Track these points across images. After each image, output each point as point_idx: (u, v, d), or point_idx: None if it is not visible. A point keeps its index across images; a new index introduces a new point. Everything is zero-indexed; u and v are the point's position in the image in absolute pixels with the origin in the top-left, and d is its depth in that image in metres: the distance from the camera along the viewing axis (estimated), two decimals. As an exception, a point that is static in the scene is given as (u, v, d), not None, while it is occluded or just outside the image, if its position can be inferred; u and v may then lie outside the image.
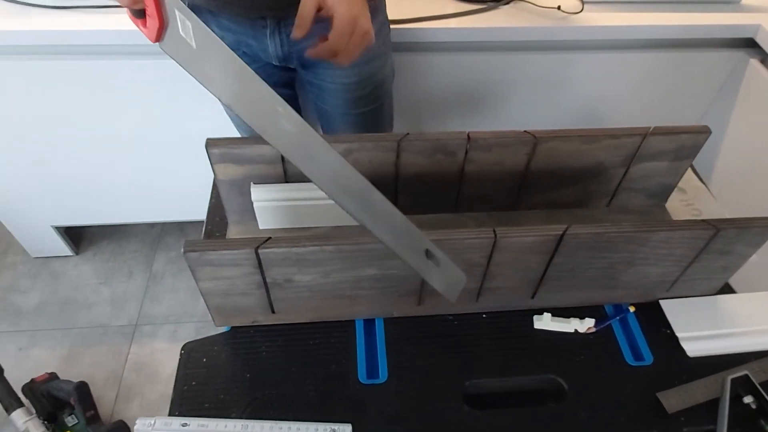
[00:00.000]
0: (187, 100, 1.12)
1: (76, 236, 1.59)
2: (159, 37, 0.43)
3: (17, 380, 1.17)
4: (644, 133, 0.68)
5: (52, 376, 1.23)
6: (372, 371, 0.62)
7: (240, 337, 0.65)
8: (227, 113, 0.99)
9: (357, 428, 0.56)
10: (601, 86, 1.20)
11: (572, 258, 0.59)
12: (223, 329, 0.66)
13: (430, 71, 1.15)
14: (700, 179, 0.82)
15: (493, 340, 0.65)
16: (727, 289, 0.70)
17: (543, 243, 0.57)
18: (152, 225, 1.64)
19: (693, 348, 0.64)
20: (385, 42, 0.87)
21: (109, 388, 1.30)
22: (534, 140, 0.66)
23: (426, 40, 1.08)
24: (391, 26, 0.91)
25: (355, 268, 0.58)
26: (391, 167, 0.68)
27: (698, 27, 1.09)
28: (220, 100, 0.45)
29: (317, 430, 0.54)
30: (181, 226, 1.63)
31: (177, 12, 0.41)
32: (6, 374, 1.16)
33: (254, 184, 0.68)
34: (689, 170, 0.83)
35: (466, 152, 0.67)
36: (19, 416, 1.10)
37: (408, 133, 0.66)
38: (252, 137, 0.64)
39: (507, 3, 1.11)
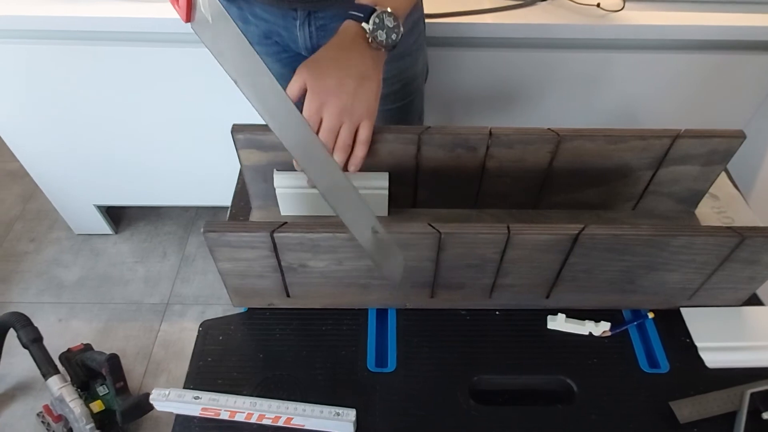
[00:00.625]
0: (224, 88, 1.15)
1: (116, 216, 1.66)
2: (189, 17, 0.47)
3: (55, 348, 1.23)
4: (674, 135, 0.66)
5: (87, 347, 1.29)
6: (381, 360, 0.63)
7: (256, 318, 0.67)
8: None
9: (362, 414, 0.57)
10: (640, 88, 1.17)
11: (588, 259, 0.58)
12: (240, 310, 0.68)
13: (464, 67, 1.15)
14: (736, 186, 0.79)
15: (504, 337, 0.65)
16: (754, 301, 0.67)
17: (558, 242, 0.56)
18: (187, 209, 1.69)
19: (712, 359, 0.62)
20: (419, 39, 0.87)
21: (139, 363, 1.36)
22: (557, 138, 0.65)
23: (461, 35, 1.07)
24: (426, 20, 0.90)
25: (367, 257, 0.58)
26: (411, 160, 0.68)
27: (744, 28, 1.05)
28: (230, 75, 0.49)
29: (322, 412, 0.56)
30: (214, 211, 1.68)
31: None
32: (46, 343, 1.23)
33: (277, 170, 0.69)
34: (724, 176, 0.80)
35: (488, 148, 0.67)
36: (54, 382, 1.16)
37: (429, 127, 0.66)
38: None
39: (545, -1, 1.10)
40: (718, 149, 0.67)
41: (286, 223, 0.56)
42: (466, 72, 1.15)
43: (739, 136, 0.66)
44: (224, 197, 1.50)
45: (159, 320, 1.44)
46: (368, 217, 0.52)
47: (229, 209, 0.78)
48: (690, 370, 0.62)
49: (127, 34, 1.08)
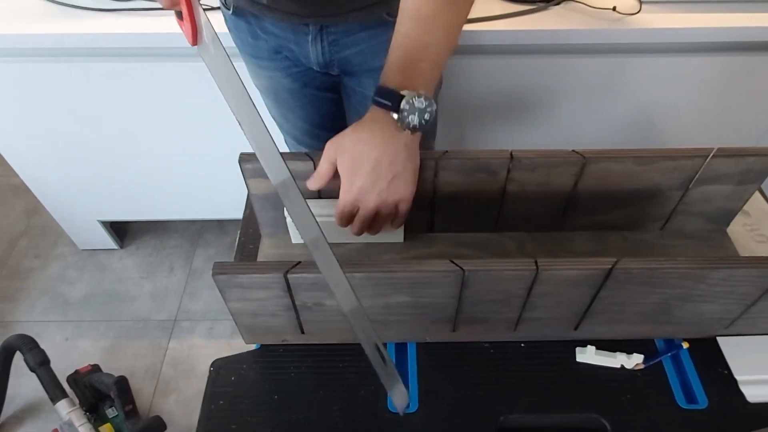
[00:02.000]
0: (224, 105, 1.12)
1: (121, 230, 1.63)
2: (195, 41, 0.48)
3: (62, 369, 1.21)
4: (705, 155, 0.62)
5: (95, 368, 1.27)
6: (402, 399, 0.60)
7: (269, 356, 0.64)
8: (275, 121, 0.98)
9: (384, 461, 0.55)
10: (659, 93, 1.13)
11: (621, 292, 0.55)
12: (252, 346, 0.65)
13: (477, 75, 1.11)
14: (768, 201, 0.75)
15: (531, 371, 0.62)
16: (795, 329, 0.63)
17: (588, 277, 0.53)
18: (193, 222, 1.66)
19: (754, 393, 0.58)
20: None
21: (147, 382, 1.34)
22: (582, 160, 0.62)
23: (472, 42, 1.03)
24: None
25: (385, 294, 0.55)
26: (428, 185, 0.65)
27: (765, 29, 1.00)
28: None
29: (343, 462, 0.53)
30: (220, 224, 1.65)
31: (202, 17, 0.47)
32: (52, 363, 1.20)
33: None
34: (756, 192, 0.76)
35: (509, 171, 0.63)
36: (63, 407, 1.14)
37: (447, 151, 0.62)
38: (285, 152, 0.62)
39: (558, 3, 1.05)
40: (753, 168, 0.63)
41: (300, 263, 0.53)
42: (477, 80, 1.12)
43: (776, 154, 0.62)
44: (230, 210, 1.48)
45: (167, 337, 1.42)
46: (370, 333, 0.51)
47: (238, 237, 0.75)
48: (730, 406, 0.58)
49: (129, 50, 1.05)
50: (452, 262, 0.52)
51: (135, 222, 1.66)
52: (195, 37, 0.48)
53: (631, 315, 0.59)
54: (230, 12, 0.78)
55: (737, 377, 0.59)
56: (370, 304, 0.56)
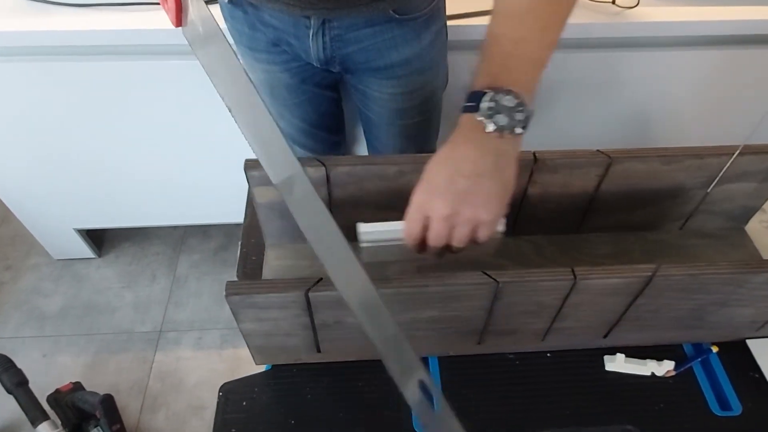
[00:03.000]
0: (209, 102, 1.06)
1: (98, 238, 1.55)
2: (180, 21, 0.43)
3: (42, 387, 1.14)
4: (732, 153, 0.60)
5: (77, 386, 1.19)
6: (427, 418, 0.57)
7: (282, 377, 0.60)
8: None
9: (415, 487, 0.51)
10: (658, 87, 1.12)
11: (658, 300, 0.53)
12: (263, 367, 0.61)
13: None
14: (782, 197, 0.74)
15: (559, 383, 0.59)
16: (823, 328, 0.62)
17: (627, 285, 0.50)
18: (175, 227, 1.59)
19: (788, 397, 0.57)
20: (441, 50, 0.79)
21: (133, 398, 1.27)
22: (608, 161, 0.59)
23: (468, 38, 1.00)
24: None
25: (413, 310, 0.52)
26: (445, 189, 0.62)
27: (762, 22, 1.00)
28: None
29: (373, 492, 0.49)
30: (204, 229, 1.58)
31: None
32: (31, 382, 1.13)
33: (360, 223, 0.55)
34: (769, 187, 0.75)
35: (531, 173, 0.60)
36: (45, 429, 1.07)
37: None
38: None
39: (556, -3, 1.03)
40: (778, 165, 0.62)
41: (321, 279, 0.48)
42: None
43: (802, 151, 0.61)
44: (214, 215, 1.43)
45: (153, 350, 1.35)
46: (413, 364, 0.42)
47: (239, 248, 0.70)
48: (766, 411, 0.57)
49: (103, 48, 0.98)
50: (485, 273, 0.49)
51: (113, 229, 1.57)
52: (179, 14, 0.42)
53: (664, 321, 0.57)
54: (227, 1, 0.73)
55: (770, 381, 0.58)
56: (397, 320, 0.52)
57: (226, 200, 1.34)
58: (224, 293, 0.48)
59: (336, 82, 0.83)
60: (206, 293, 1.44)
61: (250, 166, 0.58)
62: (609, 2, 1.01)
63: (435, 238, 0.47)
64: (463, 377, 0.60)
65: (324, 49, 0.72)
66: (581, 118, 1.18)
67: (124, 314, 1.41)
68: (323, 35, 0.70)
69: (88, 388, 1.19)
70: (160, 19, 0.91)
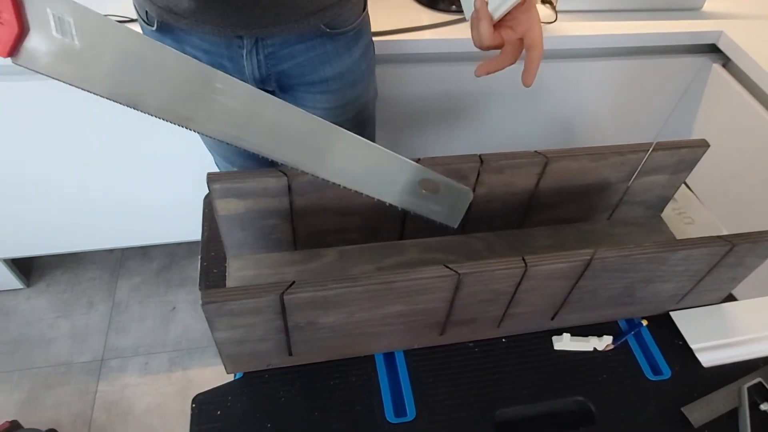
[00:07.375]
0: (141, 117, 1.05)
1: (25, 267, 1.46)
2: (12, 50, 0.37)
3: (-28, 433, 1.06)
4: (647, 149, 0.69)
5: (14, 425, 1.12)
6: (399, 408, 0.60)
7: (255, 384, 0.61)
8: (203, 140, 0.93)
9: (394, 474, 0.54)
10: (573, 94, 1.23)
11: (596, 281, 0.59)
12: (226, 379, 0.62)
13: (408, 82, 1.14)
14: (689, 188, 0.85)
15: (516, 365, 0.65)
16: (729, 298, 0.72)
17: (571, 269, 0.56)
18: (111, 250, 1.53)
19: (707, 358, 0.65)
20: (370, 64, 0.84)
21: (77, 432, 1.21)
22: (545, 160, 0.66)
23: (402, 51, 1.06)
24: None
25: (381, 306, 0.55)
26: (401, 193, 0.66)
27: (663, 35, 1.13)
28: (117, 102, 0.41)
29: (356, 482, 0.51)
30: (143, 250, 1.53)
31: (49, 10, 0.36)
32: (-41, 428, 1.05)
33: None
34: (678, 179, 0.86)
35: (478, 175, 0.66)
36: (-21, 475, 1.00)
37: (419, 159, 0.63)
38: (255, 170, 0.60)
39: (483, 13, 1.11)
40: (685, 159, 0.71)
41: (294, 282, 0.51)
42: (409, 87, 1.15)
43: (703, 146, 0.70)
44: (154, 235, 1.39)
45: (95, 380, 1.29)
46: (412, 172, 0.49)
47: (200, 261, 0.70)
48: (690, 372, 0.65)
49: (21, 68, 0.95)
50: (446, 266, 0.53)
51: (42, 257, 1.49)
52: (17, 43, 0.35)
53: (602, 300, 0.64)
54: (153, 28, 0.73)
55: (692, 346, 0.66)
56: (366, 317, 0.56)
57: (166, 219, 1.31)
58: (200, 302, 0.49)
59: None
60: (150, 316, 1.40)
61: (213, 179, 0.59)
62: (530, 18, 1.10)
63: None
64: (428, 368, 0.63)
65: (259, 67, 0.74)
66: (511, 123, 1.27)
67: (61, 345, 1.34)
68: (257, 53, 0.72)
69: (26, 426, 1.12)
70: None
